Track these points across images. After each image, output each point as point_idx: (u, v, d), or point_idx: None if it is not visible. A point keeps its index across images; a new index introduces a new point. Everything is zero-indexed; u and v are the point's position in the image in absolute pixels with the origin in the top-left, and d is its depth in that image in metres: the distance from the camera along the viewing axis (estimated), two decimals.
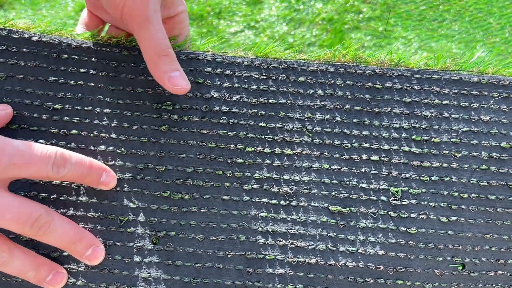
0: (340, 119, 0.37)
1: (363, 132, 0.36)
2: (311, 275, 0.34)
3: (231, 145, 0.36)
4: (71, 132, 0.36)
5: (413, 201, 0.35)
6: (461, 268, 0.35)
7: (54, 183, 0.35)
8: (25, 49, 0.36)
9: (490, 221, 0.35)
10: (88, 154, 0.35)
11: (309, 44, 1.46)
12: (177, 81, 0.35)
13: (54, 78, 0.36)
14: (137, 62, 0.37)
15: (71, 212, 0.35)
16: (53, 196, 0.35)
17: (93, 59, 0.37)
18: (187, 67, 0.37)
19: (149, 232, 0.35)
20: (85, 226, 0.35)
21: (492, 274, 0.35)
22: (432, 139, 0.36)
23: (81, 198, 0.35)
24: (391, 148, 0.36)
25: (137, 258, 0.34)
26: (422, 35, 1.49)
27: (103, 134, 0.36)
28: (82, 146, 0.36)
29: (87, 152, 0.35)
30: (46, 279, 0.33)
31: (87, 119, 0.36)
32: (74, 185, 0.35)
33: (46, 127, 0.36)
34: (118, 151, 0.36)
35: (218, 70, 0.37)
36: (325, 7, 1.55)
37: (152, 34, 0.34)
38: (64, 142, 0.36)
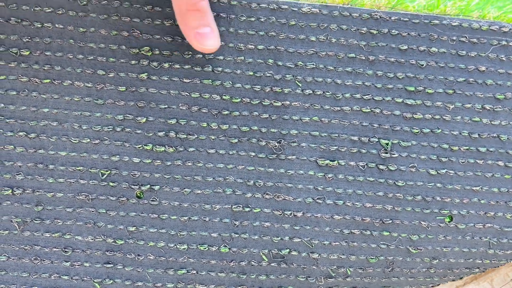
0: (332, 68, 0.34)
1: (356, 82, 0.35)
2: (297, 227, 0.34)
3: (215, 96, 0.34)
4: (43, 81, 0.33)
5: (403, 154, 0.35)
6: (448, 220, 0.35)
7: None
8: None
9: (479, 174, 0.35)
10: (63, 105, 0.33)
11: None
12: (204, 39, 0.32)
13: (17, 20, 0.32)
14: None
15: (51, 166, 0.33)
16: (30, 150, 0.33)
17: None
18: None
19: (132, 186, 0.34)
20: (67, 180, 0.33)
21: (481, 226, 0.35)
22: (426, 90, 0.35)
23: (59, 152, 0.33)
24: (383, 99, 0.35)
25: (122, 213, 0.34)
26: None
27: (78, 83, 0.33)
28: (56, 97, 0.33)
29: (62, 102, 0.33)
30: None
31: (58, 67, 0.33)
32: (50, 139, 0.33)
33: (14, 75, 0.33)
34: (94, 101, 0.33)
35: None
36: None
37: None
38: (36, 93, 0.33)
